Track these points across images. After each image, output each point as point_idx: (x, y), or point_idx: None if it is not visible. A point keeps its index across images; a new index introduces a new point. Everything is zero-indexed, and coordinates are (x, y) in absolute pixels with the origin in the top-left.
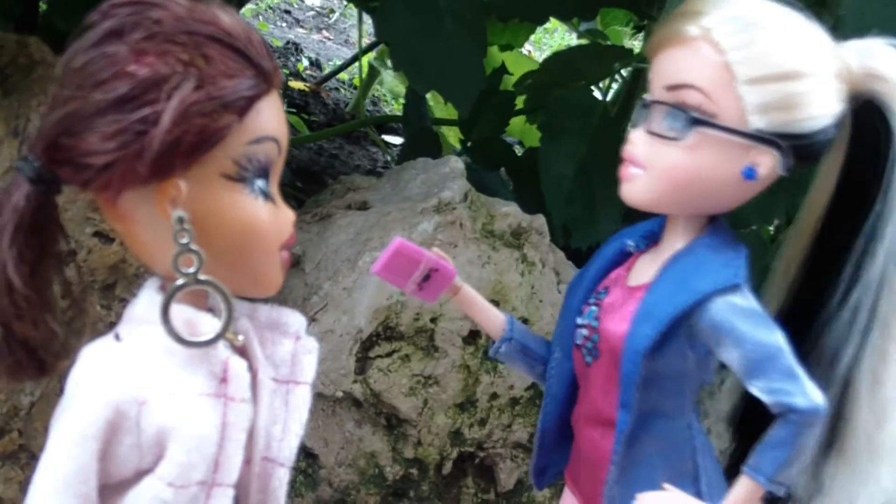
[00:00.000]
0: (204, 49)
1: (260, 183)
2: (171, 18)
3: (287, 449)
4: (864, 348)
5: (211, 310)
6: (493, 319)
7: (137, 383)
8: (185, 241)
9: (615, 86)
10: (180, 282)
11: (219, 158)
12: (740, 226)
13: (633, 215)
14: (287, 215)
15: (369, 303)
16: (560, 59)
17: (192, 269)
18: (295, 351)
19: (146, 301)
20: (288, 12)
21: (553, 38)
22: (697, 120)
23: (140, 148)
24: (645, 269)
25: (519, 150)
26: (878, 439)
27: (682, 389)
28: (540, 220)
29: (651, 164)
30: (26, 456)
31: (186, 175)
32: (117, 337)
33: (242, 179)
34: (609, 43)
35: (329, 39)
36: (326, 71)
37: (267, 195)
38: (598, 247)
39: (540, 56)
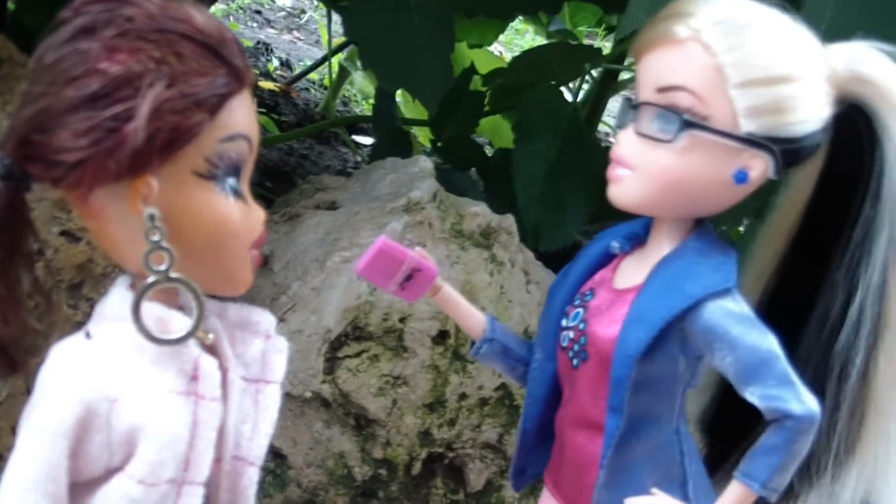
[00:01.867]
0: (176, 47)
1: (231, 181)
2: (144, 16)
3: (257, 448)
4: (878, 359)
5: (182, 308)
6: (474, 319)
7: (108, 381)
8: (156, 238)
9: (586, 86)
10: (151, 279)
11: (191, 156)
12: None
13: (599, 217)
14: (257, 214)
15: (338, 303)
16: (529, 57)
17: (163, 267)
18: (265, 350)
19: (117, 299)
20: (258, 13)
21: (524, 38)
22: (690, 122)
23: (112, 145)
24: (631, 272)
25: (490, 150)
26: None
27: (672, 394)
28: (509, 220)
29: (640, 166)
30: None
31: (158, 173)
32: (88, 335)
33: (214, 177)
34: (578, 42)
35: (300, 40)
36: (297, 71)
37: (238, 193)
38: (564, 249)
39: (511, 57)
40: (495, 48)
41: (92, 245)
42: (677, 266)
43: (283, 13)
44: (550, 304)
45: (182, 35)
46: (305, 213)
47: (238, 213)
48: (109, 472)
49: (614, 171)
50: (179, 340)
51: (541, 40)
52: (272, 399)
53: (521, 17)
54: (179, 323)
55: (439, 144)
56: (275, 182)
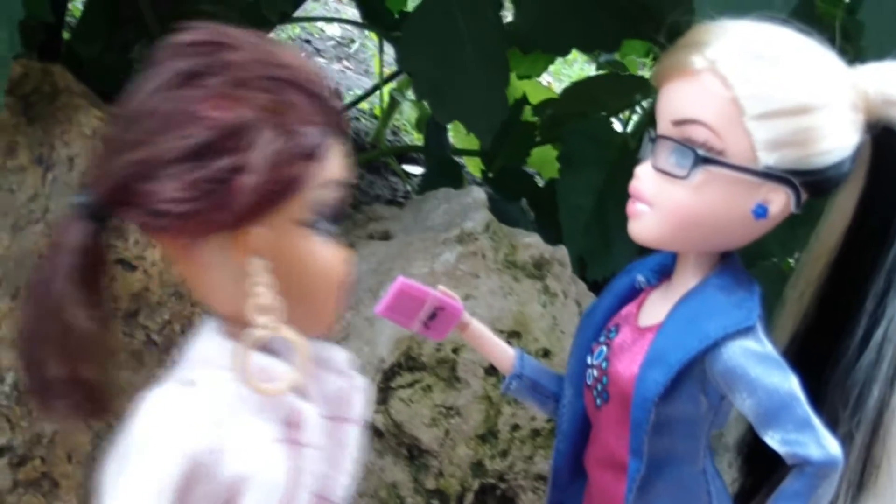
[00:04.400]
0: (283, 94)
1: (327, 226)
2: (247, 62)
3: (339, 487)
4: (894, 388)
5: (271, 350)
6: (504, 355)
7: (213, 432)
8: (263, 290)
9: (636, 117)
10: (261, 332)
11: (294, 205)
12: (761, 258)
13: (648, 247)
14: (346, 255)
15: (391, 333)
16: (579, 88)
17: (267, 319)
18: (342, 387)
19: (211, 345)
20: (308, 42)
21: (572, 68)
22: (705, 158)
23: (224, 197)
24: (656, 308)
25: (540, 181)
26: None
27: (695, 434)
28: (562, 251)
29: (657, 202)
30: (48, 483)
31: (263, 222)
32: (189, 382)
33: (313, 224)
34: (628, 73)
35: (349, 69)
36: (347, 101)
37: (332, 237)
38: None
39: (559, 87)
40: (543, 78)
41: (148, 273)
42: (697, 303)
43: (333, 42)
44: (578, 339)
45: (286, 82)
46: (359, 242)
47: (333, 257)
48: None
49: (633, 207)
50: (284, 390)
51: (590, 70)
52: (353, 437)
53: None
54: (282, 372)
55: (490, 175)
56: None
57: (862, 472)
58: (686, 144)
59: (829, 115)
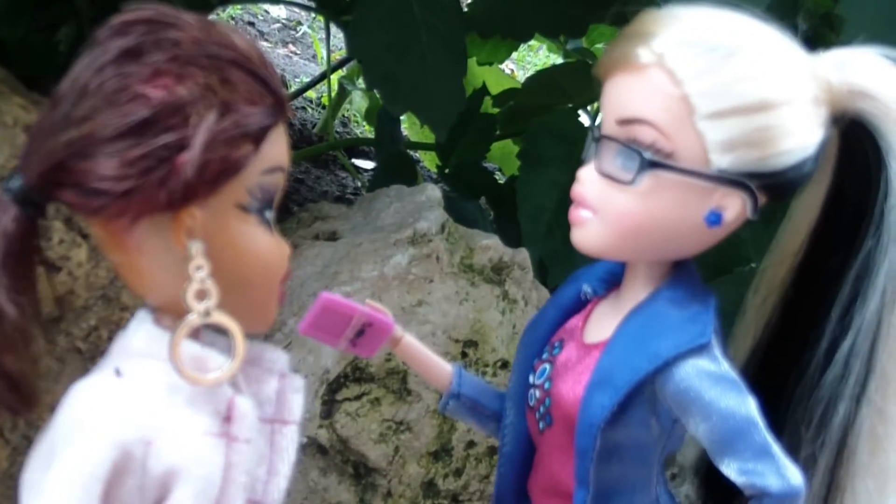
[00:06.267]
0: (225, 74)
1: (267, 214)
2: (190, 41)
3: (275, 490)
4: (861, 407)
5: (206, 341)
6: (440, 372)
7: (143, 422)
8: (201, 273)
9: None
10: (193, 317)
11: (234, 188)
12: (736, 264)
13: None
14: (285, 247)
15: None
16: (543, 77)
17: (205, 305)
18: (281, 389)
19: (144, 335)
20: (251, 24)
21: (537, 56)
22: (653, 162)
23: (164, 175)
24: (603, 322)
25: (500, 178)
26: None
27: (647, 460)
28: (523, 255)
29: (602, 209)
30: None
31: (203, 204)
32: (118, 372)
33: (253, 210)
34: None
35: (296, 54)
36: (293, 88)
37: (270, 226)
38: None
39: (523, 76)
40: (506, 66)
41: (73, 275)
42: (647, 319)
43: (278, 25)
44: (521, 355)
45: (230, 61)
46: (303, 243)
47: (273, 247)
48: None
49: (576, 213)
50: (218, 381)
51: (555, 59)
52: (290, 440)
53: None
54: (215, 362)
55: (446, 171)
56: None
57: (826, 497)
58: (631, 146)
59: (790, 112)
